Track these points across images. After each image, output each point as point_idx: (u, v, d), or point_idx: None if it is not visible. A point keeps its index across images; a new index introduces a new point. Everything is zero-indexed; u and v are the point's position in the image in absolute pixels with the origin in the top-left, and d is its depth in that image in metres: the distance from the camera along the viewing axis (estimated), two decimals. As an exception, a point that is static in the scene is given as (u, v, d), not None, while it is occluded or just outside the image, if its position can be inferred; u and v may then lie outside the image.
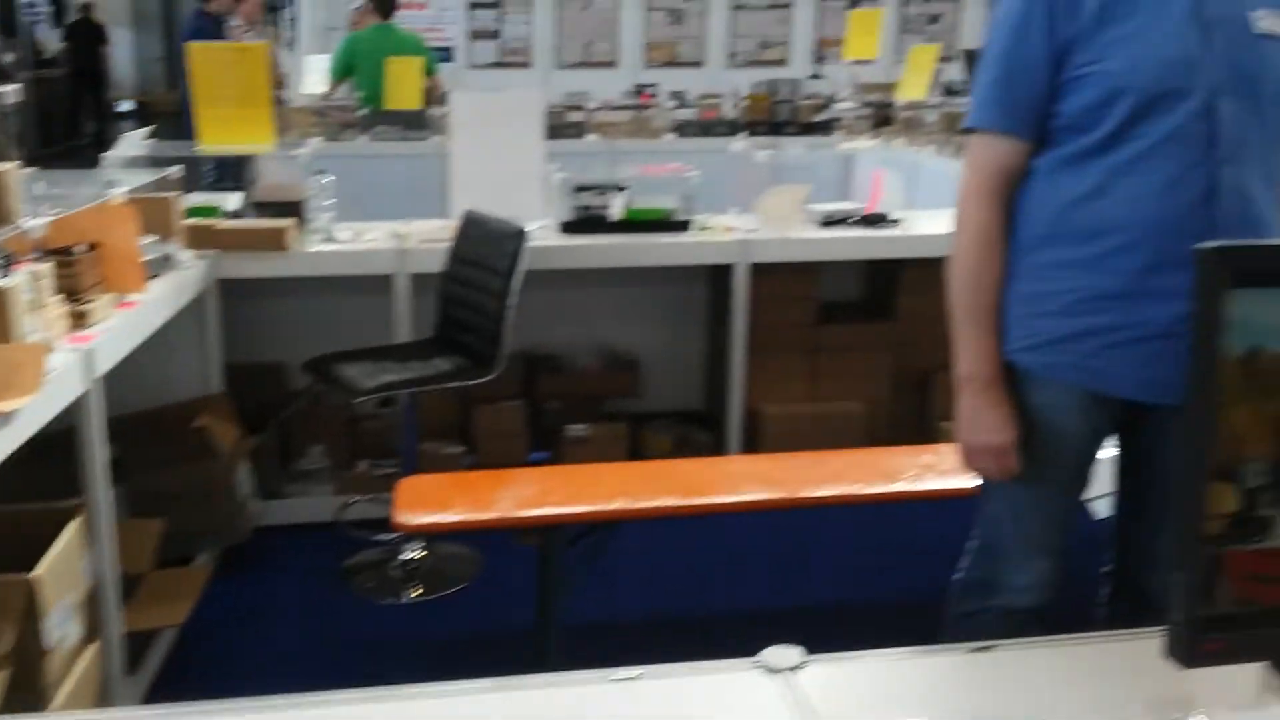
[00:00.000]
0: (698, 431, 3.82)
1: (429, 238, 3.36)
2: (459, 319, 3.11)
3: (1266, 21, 1.63)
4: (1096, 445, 1.79)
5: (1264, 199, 1.64)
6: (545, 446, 3.76)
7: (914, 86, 5.93)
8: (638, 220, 3.48)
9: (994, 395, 1.72)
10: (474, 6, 11.16)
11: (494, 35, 11.37)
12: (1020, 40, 1.64)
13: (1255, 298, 0.90)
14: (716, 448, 3.73)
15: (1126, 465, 1.86)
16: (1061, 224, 1.67)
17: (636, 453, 3.73)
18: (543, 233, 3.51)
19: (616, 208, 3.49)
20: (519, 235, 2.95)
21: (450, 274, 3.16)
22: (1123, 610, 1.89)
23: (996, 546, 1.85)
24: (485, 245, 3.05)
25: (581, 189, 3.51)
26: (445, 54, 10.97)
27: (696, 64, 11.53)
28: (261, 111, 3.49)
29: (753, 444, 3.68)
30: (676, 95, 8.77)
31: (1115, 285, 1.64)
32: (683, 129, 6.66)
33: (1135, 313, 1.63)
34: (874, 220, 3.50)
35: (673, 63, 11.48)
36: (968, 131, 1.74)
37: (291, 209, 3.40)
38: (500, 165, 3.59)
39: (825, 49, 10.81)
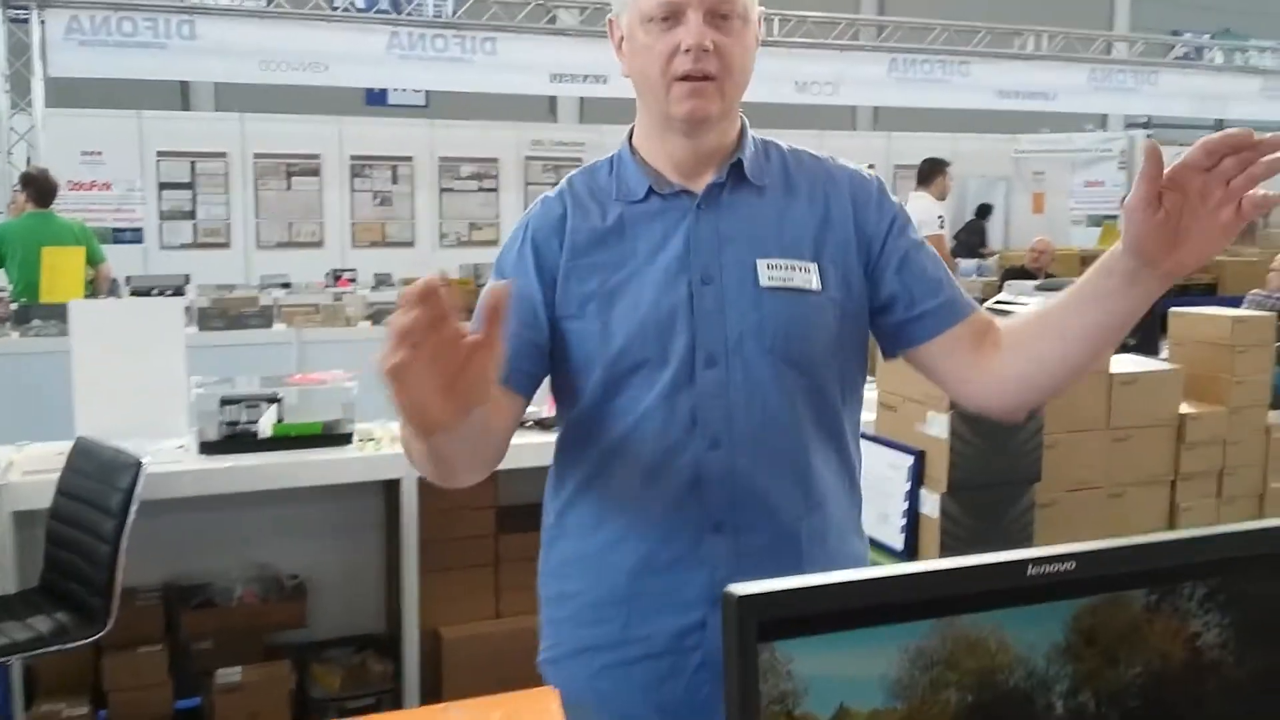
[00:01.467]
0: (375, 660, 3.44)
1: (37, 467, 2.91)
2: (66, 565, 2.66)
3: (777, 272, 1.38)
4: None
5: (770, 482, 1.37)
6: (195, 692, 3.29)
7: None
8: (291, 436, 3.16)
9: None
10: (165, 187, 10.62)
11: (189, 216, 10.83)
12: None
13: (809, 649, 0.73)
14: (394, 679, 3.36)
15: None
16: (566, 515, 1.46)
17: (303, 693, 3.31)
18: (182, 454, 3.13)
19: (267, 422, 3.16)
20: (133, 468, 2.57)
21: (56, 512, 2.72)
22: None
23: None
24: (95, 479, 2.65)
25: (228, 402, 3.16)
26: (135, 235, 10.36)
27: (407, 244, 11.40)
28: None
29: (434, 672, 3.35)
30: (380, 278, 8.59)
31: (613, 589, 1.39)
32: (378, 317, 6.39)
33: (636, 625, 1.38)
34: (548, 424, 3.34)
35: (382, 243, 11.30)
36: None
37: None
38: (134, 380, 3.21)
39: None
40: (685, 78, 1.34)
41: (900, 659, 0.78)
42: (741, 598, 0.70)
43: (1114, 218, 11.96)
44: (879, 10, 13.99)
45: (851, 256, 1.42)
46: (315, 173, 11.09)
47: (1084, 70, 11.24)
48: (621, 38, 1.41)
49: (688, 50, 1.32)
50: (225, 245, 10.88)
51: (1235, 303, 6.88)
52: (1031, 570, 0.79)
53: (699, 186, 1.41)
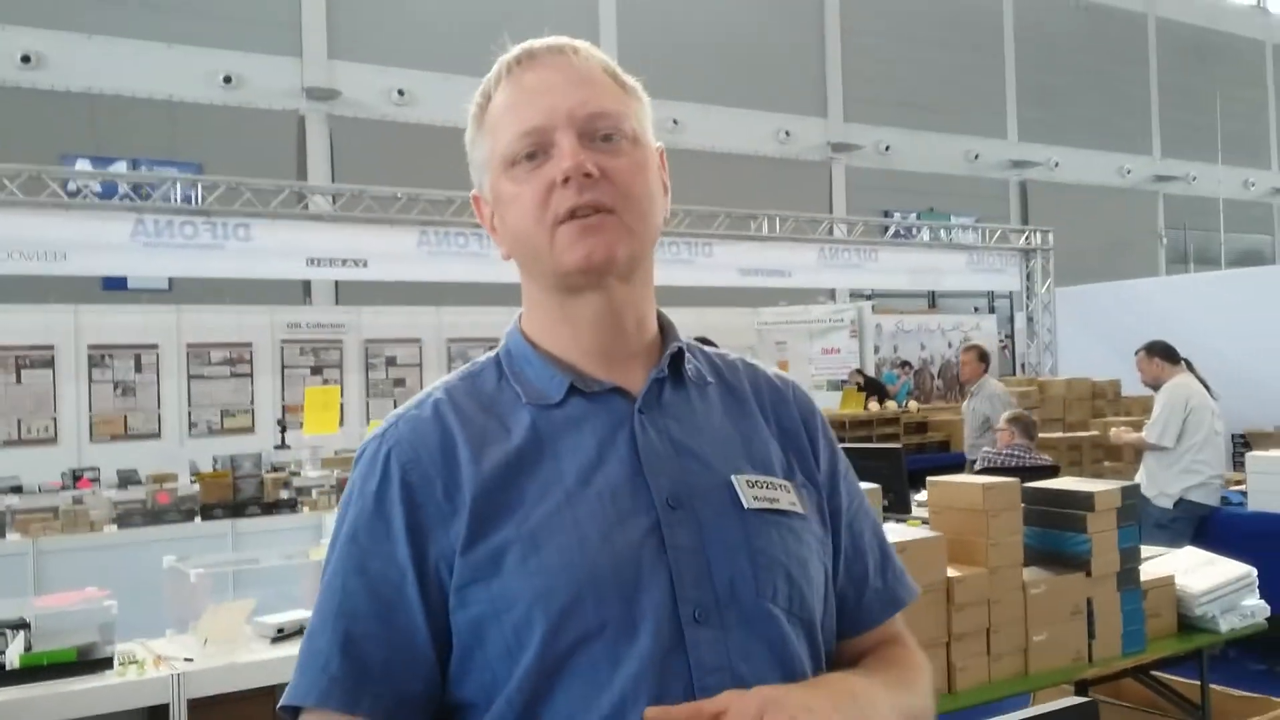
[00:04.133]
0: None
1: None
2: None
3: (761, 491, 1.05)
4: None
5: None
6: None
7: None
8: (42, 666, 2.87)
9: None
10: None
11: (-101, 418, 9.86)
12: None
13: None
14: None
15: None
16: None
17: None
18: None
19: (14, 652, 2.86)
20: None
21: None
22: None
23: None
24: None
25: (-34, 634, 2.85)
26: None
27: (153, 436, 10.76)
28: None
29: None
30: (124, 476, 8.04)
31: None
32: (124, 519, 5.96)
33: None
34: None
35: (124, 436, 10.61)
36: None
37: None
38: None
39: (292, 415, 10.61)
40: (571, 215, 1.02)
41: None
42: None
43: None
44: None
45: (819, 489, 1.13)
46: (49, 364, 10.38)
47: (814, 249, 12.21)
48: (492, 214, 1.10)
49: (566, 180, 1.01)
50: (-58, 447, 9.93)
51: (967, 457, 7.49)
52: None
53: (630, 383, 1.08)
